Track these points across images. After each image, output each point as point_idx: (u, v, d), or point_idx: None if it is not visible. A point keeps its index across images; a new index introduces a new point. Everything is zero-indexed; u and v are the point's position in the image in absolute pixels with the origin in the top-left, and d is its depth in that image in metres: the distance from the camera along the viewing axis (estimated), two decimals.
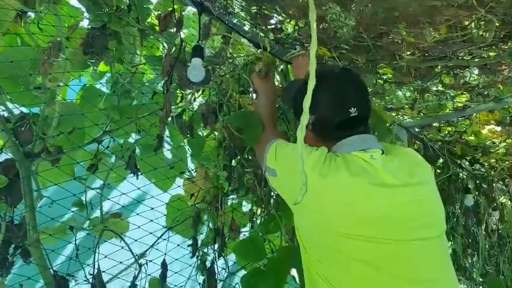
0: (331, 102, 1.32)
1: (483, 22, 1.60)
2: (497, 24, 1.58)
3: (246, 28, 2.03)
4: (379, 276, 1.12)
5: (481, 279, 3.66)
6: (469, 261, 3.62)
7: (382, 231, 1.14)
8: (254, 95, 2.06)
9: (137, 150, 1.99)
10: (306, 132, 1.32)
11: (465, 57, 1.97)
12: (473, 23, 1.62)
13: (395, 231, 1.15)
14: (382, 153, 1.27)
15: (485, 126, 3.08)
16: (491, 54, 1.91)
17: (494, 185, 3.78)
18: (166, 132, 2.07)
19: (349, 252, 1.14)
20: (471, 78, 2.29)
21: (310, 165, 1.18)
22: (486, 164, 3.77)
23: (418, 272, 1.15)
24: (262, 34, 1.94)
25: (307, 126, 1.31)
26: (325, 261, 1.19)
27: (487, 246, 3.80)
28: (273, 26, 1.98)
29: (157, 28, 1.82)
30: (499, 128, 3.07)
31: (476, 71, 2.22)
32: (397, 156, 1.29)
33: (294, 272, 1.82)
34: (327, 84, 1.34)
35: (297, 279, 1.80)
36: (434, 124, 3.23)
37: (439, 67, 2.15)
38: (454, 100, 2.69)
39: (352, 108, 1.28)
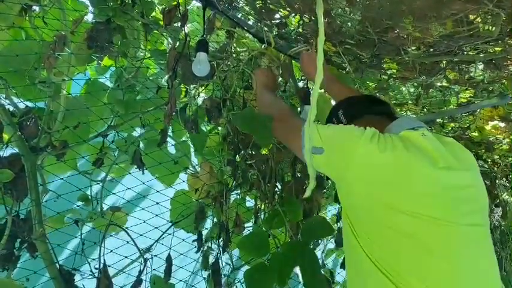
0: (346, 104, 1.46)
1: (490, 16, 1.59)
2: (504, 18, 1.57)
3: (251, 23, 2.02)
4: (429, 258, 1.11)
5: None
6: None
7: (438, 211, 1.13)
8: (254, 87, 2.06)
9: (141, 145, 1.99)
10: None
11: (470, 52, 1.96)
12: (479, 17, 1.62)
13: (450, 212, 1.14)
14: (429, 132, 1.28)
15: (489, 122, 3.07)
16: (497, 49, 1.90)
17: (497, 181, 3.77)
18: (170, 128, 2.07)
19: (403, 230, 1.13)
20: (476, 74, 2.28)
21: (368, 140, 1.18)
22: (489, 160, 3.77)
23: (462, 257, 1.14)
24: (266, 29, 1.93)
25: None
26: (378, 240, 1.17)
27: None
28: (277, 21, 1.98)
29: (161, 23, 1.81)
30: (502, 124, 3.06)
31: (481, 67, 2.21)
32: (445, 143, 1.29)
33: (297, 268, 1.82)
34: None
35: (300, 276, 1.80)
36: (438, 120, 3.22)
37: (444, 62, 2.15)
38: (458, 96, 2.68)
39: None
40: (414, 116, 3.11)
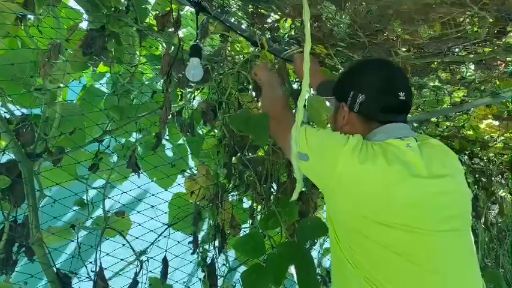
0: (382, 83, 1.32)
1: (477, 19, 1.62)
2: (491, 20, 1.60)
3: (244, 27, 2.05)
4: (407, 265, 1.14)
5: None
6: None
7: (415, 220, 1.15)
8: (254, 93, 2.09)
9: (139, 149, 2.01)
10: (347, 114, 1.36)
11: (460, 53, 1.99)
12: (467, 20, 1.64)
13: (428, 221, 1.17)
14: (416, 142, 1.28)
15: (483, 120, 3.10)
16: (486, 50, 1.93)
17: (493, 178, 3.80)
18: (167, 131, 2.09)
19: (380, 240, 1.15)
20: (467, 74, 2.31)
21: (349, 151, 1.19)
22: (485, 158, 3.79)
23: (444, 263, 1.17)
24: (259, 33, 1.96)
25: (352, 108, 1.33)
26: (357, 248, 1.20)
27: (486, 240, 3.82)
28: (270, 25, 2.01)
29: (155, 28, 1.84)
30: (496, 123, 3.08)
31: (472, 67, 2.24)
32: (428, 147, 1.30)
33: (292, 268, 1.84)
34: (377, 67, 1.39)
35: (295, 276, 1.82)
36: (433, 119, 3.25)
37: (435, 63, 2.17)
38: (452, 95, 2.71)
39: (401, 93, 1.29)
40: (409, 115, 3.13)
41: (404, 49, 1.94)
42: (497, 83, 2.45)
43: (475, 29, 1.72)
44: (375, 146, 1.22)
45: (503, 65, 2.11)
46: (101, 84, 2.09)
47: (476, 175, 3.82)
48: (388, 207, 1.16)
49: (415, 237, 1.15)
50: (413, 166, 1.19)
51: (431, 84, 2.56)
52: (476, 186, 3.78)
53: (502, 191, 3.95)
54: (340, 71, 2.30)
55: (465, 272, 1.23)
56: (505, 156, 3.67)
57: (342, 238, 1.25)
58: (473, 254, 1.27)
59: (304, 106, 2.09)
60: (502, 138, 3.30)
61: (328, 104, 2.21)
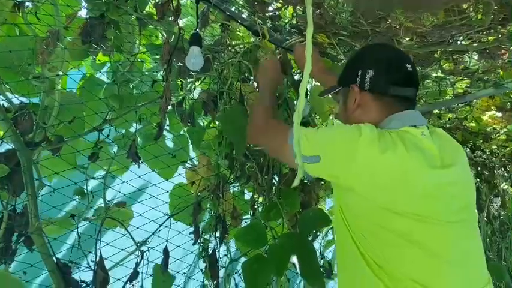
0: (389, 56, 1.35)
1: (481, 5, 1.60)
2: (496, 7, 1.58)
3: (244, 16, 2.02)
4: (425, 256, 1.14)
5: None
6: None
7: (432, 211, 1.15)
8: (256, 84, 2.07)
9: (139, 140, 2.00)
10: (358, 95, 1.34)
11: (464, 42, 1.97)
12: (471, 7, 1.62)
13: (444, 211, 1.17)
14: (428, 130, 1.27)
15: (486, 112, 3.08)
16: (490, 38, 1.91)
17: (495, 171, 3.78)
18: (167, 122, 2.08)
19: (394, 228, 1.15)
20: (471, 63, 2.28)
21: (367, 141, 1.16)
22: (487, 151, 3.77)
23: (456, 254, 1.17)
24: (260, 22, 1.94)
25: (363, 86, 1.33)
26: (373, 240, 1.19)
27: (488, 233, 3.81)
28: (271, 14, 1.98)
29: (155, 17, 1.82)
30: (499, 114, 3.06)
31: (476, 56, 2.22)
32: (437, 136, 1.30)
33: (295, 259, 1.83)
34: (380, 46, 1.50)
35: (297, 266, 1.81)
36: (435, 111, 3.23)
37: (438, 52, 2.15)
38: (454, 86, 2.69)
39: (407, 64, 1.32)
40: None
41: (407, 38, 1.92)
42: (501, 73, 2.42)
43: (479, 16, 1.70)
44: (392, 133, 1.20)
45: (507, 54, 2.08)
46: (101, 72, 2.07)
47: (479, 168, 3.80)
48: (407, 197, 1.15)
49: (434, 228, 1.15)
50: (430, 154, 1.19)
51: (434, 74, 2.53)
52: (478, 179, 3.77)
53: (504, 183, 3.93)
54: (342, 61, 2.28)
55: (474, 262, 1.23)
56: (508, 148, 3.65)
57: (356, 230, 1.22)
58: (481, 244, 1.28)
59: (307, 96, 2.07)
60: (505, 130, 3.27)
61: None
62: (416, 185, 1.16)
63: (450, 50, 2.06)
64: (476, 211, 1.34)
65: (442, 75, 2.52)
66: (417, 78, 1.36)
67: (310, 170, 1.28)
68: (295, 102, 2.38)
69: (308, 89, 2.19)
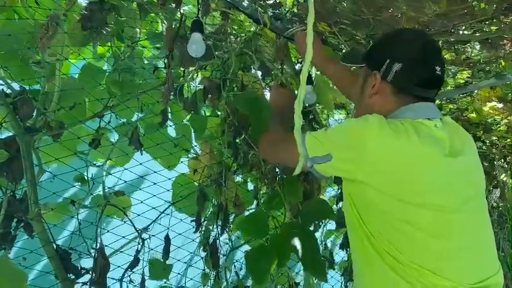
0: (420, 54, 1.28)
1: None
2: None
3: (245, 4, 2.01)
4: (439, 246, 1.14)
5: None
6: None
7: (447, 199, 1.15)
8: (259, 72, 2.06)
9: (141, 129, 1.99)
10: (379, 83, 1.31)
11: (466, 32, 1.95)
12: None
13: (457, 200, 1.17)
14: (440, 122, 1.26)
15: (487, 103, 3.07)
16: (493, 28, 1.90)
17: (495, 162, 3.78)
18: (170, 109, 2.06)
19: (414, 221, 1.14)
20: (472, 54, 2.27)
21: (377, 130, 1.15)
22: (487, 142, 3.77)
23: (470, 241, 1.18)
24: (261, 10, 1.92)
25: (386, 76, 1.28)
26: (387, 232, 1.18)
27: None
28: (272, 1, 1.97)
29: (156, 1, 1.80)
30: (500, 105, 3.05)
31: (477, 47, 2.21)
32: (450, 127, 1.29)
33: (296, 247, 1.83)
34: (416, 37, 1.36)
35: (300, 255, 1.81)
36: (436, 102, 3.21)
37: (440, 42, 2.14)
38: (456, 77, 2.68)
39: (437, 67, 1.27)
40: None
41: (409, 27, 1.91)
42: (502, 63, 2.42)
43: (482, 5, 1.68)
44: (405, 123, 1.19)
45: (509, 45, 2.07)
46: (101, 57, 2.06)
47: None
48: (420, 186, 1.15)
49: (444, 216, 1.14)
50: (443, 144, 1.18)
51: None
52: None
53: (504, 175, 3.94)
54: (344, 50, 2.27)
55: (486, 249, 1.24)
56: (508, 139, 3.65)
57: (371, 224, 1.21)
58: (492, 232, 1.29)
59: (312, 84, 2.06)
60: (506, 121, 3.27)
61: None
62: (427, 172, 1.15)
63: (452, 39, 2.05)
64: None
65: (444, 65, 2.51)
66: (443, 80, 1.33)
67: (324, 169, 1.27)
68: (295, 91, 2.37)
69: (313, 76, 2.18)
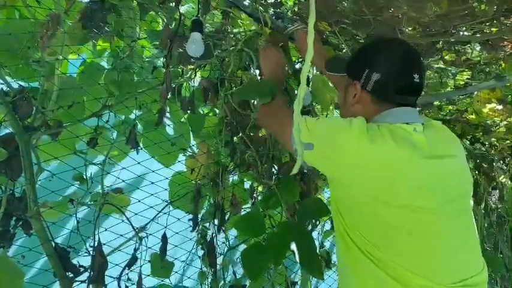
0: (398, 63, 1.31)
1: None
2: None
3: (246, 3, 2.01)
4: (419, 246, 1.16)
5: None
6: None
7: (426, 201, 1.17)
8: (258, 71, 2.06)
9: (139, 127, 1.99)
10: (359, 92, 1.34)
11: (466, 33, 1.95)
12: None
13: (438, 201, 1.18)
14: (422, 126, 1.28)
15: (486, 104, 3.07)
16: (493, 29, 1.90)
17: (494, 164, 3.78)
18: (168, 108, 2.06)
19: (388, 220, 1.16)
20: (473, 55, 2.27)
21: (356, 133, 1.19)
22: (487, 143, 3.76)
23: (451, 242, 1.19)
24: (262, 9, 1.92)
25: (365, 86, 1.32)
26: (367, 233, 1.20)
27: (486, 225, 3.82)
28: (272, 0, 1.97)
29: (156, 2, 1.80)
30: (500, 107, 3.05)
31: (478, 48, 2.21)
32: (432, 129, 1.31)
33: (293, 247, 1.83)
34: (394, 46, 1.38)
35: (297, 254, 1.81)
36: (436, 103, 3.22)
37: (440, 43, 2.14)
38: (456, 78, 2.68)
39: (416, 74, 1.29)
40: None
41: (410, 28, 1.91)
42: (502, 65, 2.42)
43: (482, 6, 1.68)
44: (382, 127, 1.21)
45: (509, 46, 2.07)
46: (101, 57, 2.06)
47: (477, 160, 3.80)
48: (399, 188, 1.16)
49: (424, 217, 1.16)
50: (421, 147, 1.19)
51: (436, 65, 2.52)
52: (477, 172, 3.77)
53: (503, 176, 3.94)
54: (344, 50, 2.27)
55: (468, 250, 1.25)
56: (507, 141, 3.65)
57: (351, 226, 1.24)
58: (475, 232, 1.30)
59: (308, 84, 2.06)
60: (505, 122, 3.27)
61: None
62: (406, 175, 1.17)
63: (452, 40, 2.05)
64: (472, 201, 1.35)
65: (444, 66, 2.51)
66: (422, 86, 1.35)
67: (308, 158, 1.30)
68: (295, 91, 2.37)
69: (309, 77, 2.18)
